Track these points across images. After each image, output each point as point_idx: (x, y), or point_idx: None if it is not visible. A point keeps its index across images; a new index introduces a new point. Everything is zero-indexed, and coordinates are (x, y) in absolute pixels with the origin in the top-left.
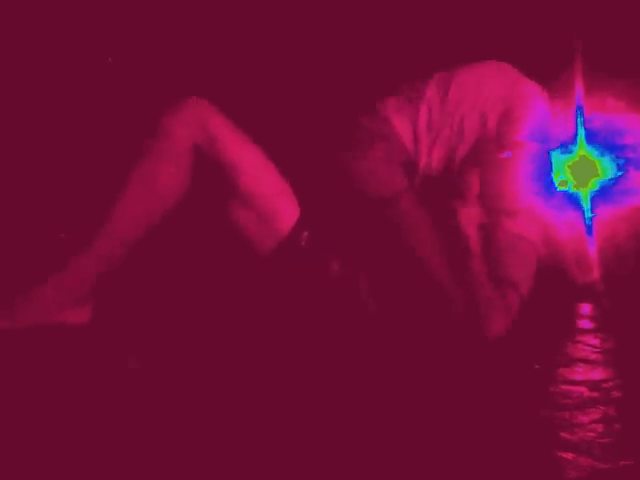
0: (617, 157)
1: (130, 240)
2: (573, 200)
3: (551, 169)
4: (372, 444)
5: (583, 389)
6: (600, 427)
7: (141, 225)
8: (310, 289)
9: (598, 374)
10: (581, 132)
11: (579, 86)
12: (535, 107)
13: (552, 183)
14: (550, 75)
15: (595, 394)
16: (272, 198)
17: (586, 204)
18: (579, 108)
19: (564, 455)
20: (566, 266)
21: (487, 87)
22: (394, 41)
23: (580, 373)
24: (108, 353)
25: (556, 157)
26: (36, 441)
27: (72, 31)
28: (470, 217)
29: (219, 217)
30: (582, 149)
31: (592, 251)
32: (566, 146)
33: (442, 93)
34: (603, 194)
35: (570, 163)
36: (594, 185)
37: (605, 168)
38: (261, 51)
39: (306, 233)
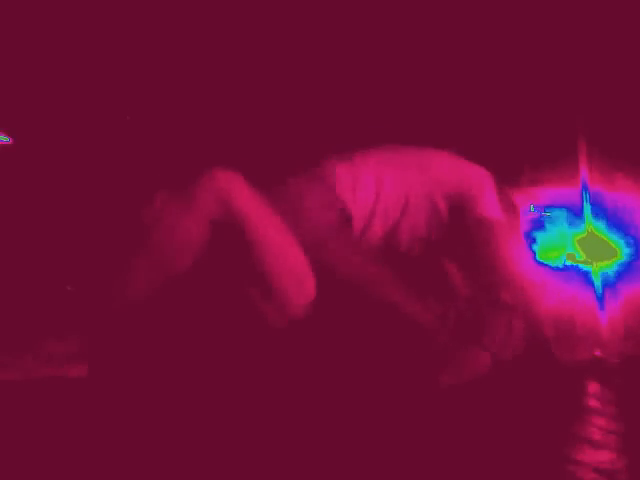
0: (628, 234)
1: (140, 295)
2: (584, 276)
3: (531, 243)
4: None
5: (588, 471)
6: None
7: (151, 286)
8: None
9: (604, 456)
10: (590, 207)
11: (585, 164)
12: (486, 185)
13: (535, 256)
14: (561, 154)
15: (601, 477)
16: (286, 277)
17: (598, 280)
18: (586, 185)
19: None
20: (548, 341)
21: (434, 171)
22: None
23: (586, 454)
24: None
25: (566, 232)
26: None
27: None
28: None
29: (233, 287)
30: (591, 224)
31: (603, 327)
32: (576, 222)
33: (388, 167)
34: (615, 271)
35: (580, 239)
36: (607, 263)
37: (616, 245)
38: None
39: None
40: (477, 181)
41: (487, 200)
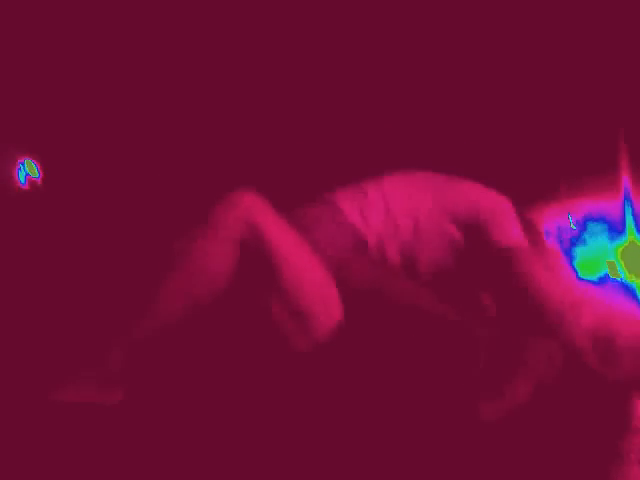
0: None
1: (170, 323)
2: (626, 289)
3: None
4: None
5: None
6: None
7: (181, 311)
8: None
9: None
10: (630, 219)
11: (627, 174)
12: (504, 212)
13: (573, 273)
14: (602, 166)
15: None
16: (311, 298)
17: (636, 292)
18: (628, 196)
19: None
20: (585, 357)
21: (445, 197)
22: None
23: (636, 476)
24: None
25: (607, 245)
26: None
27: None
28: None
29: (258, 308)
30: (631, 236)
31: None
32: (617, 234)
33: (397, 191)
34: None
35: (621, 251)
36: None
37: None
38: None
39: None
40: (494, 208)
41: (507, 227)
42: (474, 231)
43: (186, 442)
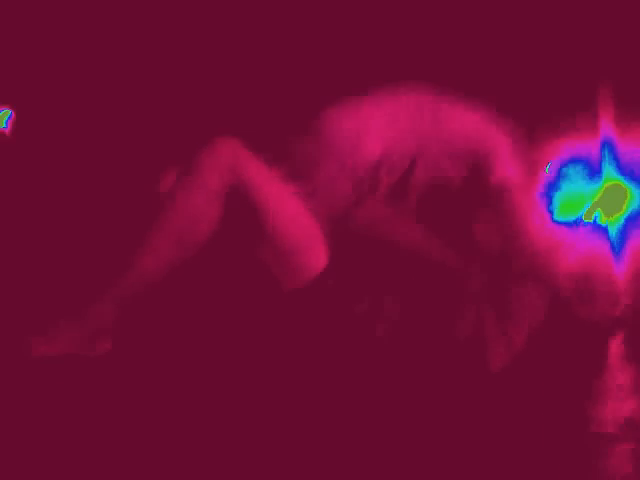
0: None
1: (157, 274)
2: (601, 230)
3: (547, 199)
4: None
5: (611, 425)
6: (630, 465)
7: (168, 260)
8: (332, 326)
9: (627, 410)
10: (609, 161)
11: (606, 114)
12: (506, 144)
13: (552, 213)
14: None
15: (624, 430)
16: (298, 240)
17: (616, 235)
18: (606, 137)
19: None
20: (567, 298)
21: (449, 125)
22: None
23: (609, 409)
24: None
25: (583, 186)
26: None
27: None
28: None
29: (246, 253)
30: (610, 178)
31: (620, 282)
32: (594, 175)
33: (396, 115)
34: (632, 224)
35: (598, 192)
36: (623, 216)
37: (633, 197)
38: None
39: (332, 278)
40: (493, 144)
41: (503, 163)
42: (472, 165)
43: (174, 392)
